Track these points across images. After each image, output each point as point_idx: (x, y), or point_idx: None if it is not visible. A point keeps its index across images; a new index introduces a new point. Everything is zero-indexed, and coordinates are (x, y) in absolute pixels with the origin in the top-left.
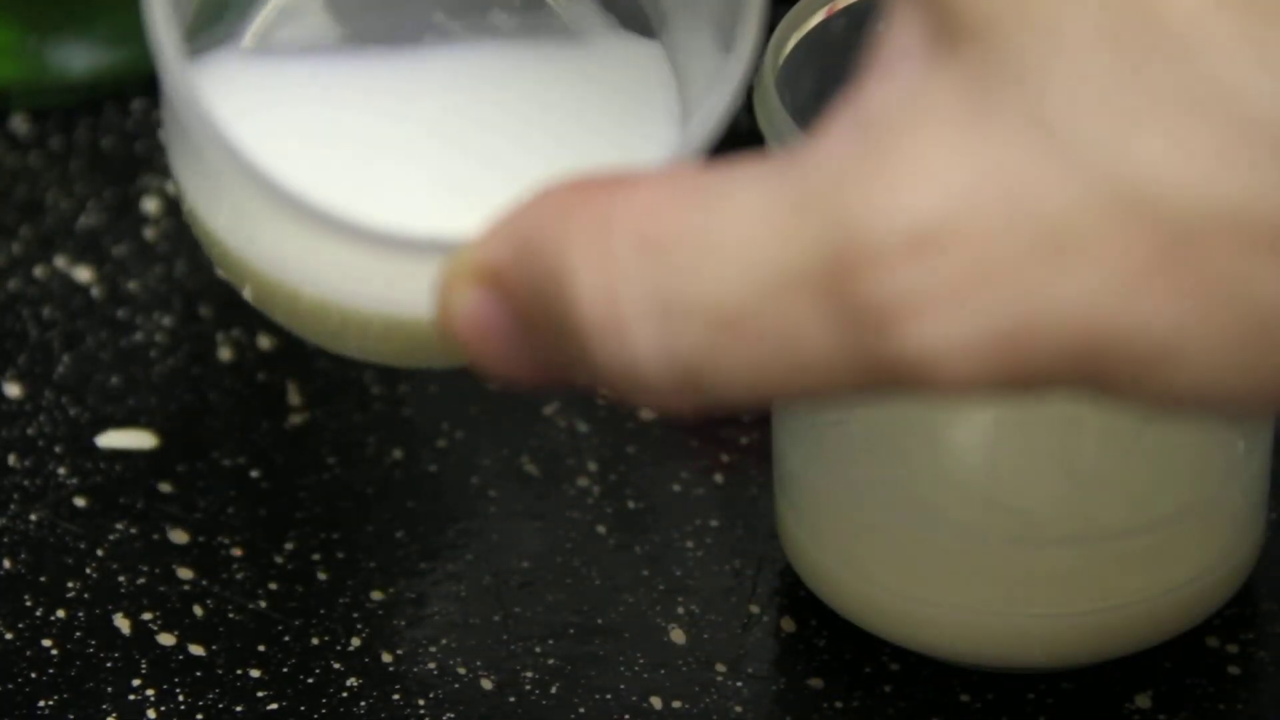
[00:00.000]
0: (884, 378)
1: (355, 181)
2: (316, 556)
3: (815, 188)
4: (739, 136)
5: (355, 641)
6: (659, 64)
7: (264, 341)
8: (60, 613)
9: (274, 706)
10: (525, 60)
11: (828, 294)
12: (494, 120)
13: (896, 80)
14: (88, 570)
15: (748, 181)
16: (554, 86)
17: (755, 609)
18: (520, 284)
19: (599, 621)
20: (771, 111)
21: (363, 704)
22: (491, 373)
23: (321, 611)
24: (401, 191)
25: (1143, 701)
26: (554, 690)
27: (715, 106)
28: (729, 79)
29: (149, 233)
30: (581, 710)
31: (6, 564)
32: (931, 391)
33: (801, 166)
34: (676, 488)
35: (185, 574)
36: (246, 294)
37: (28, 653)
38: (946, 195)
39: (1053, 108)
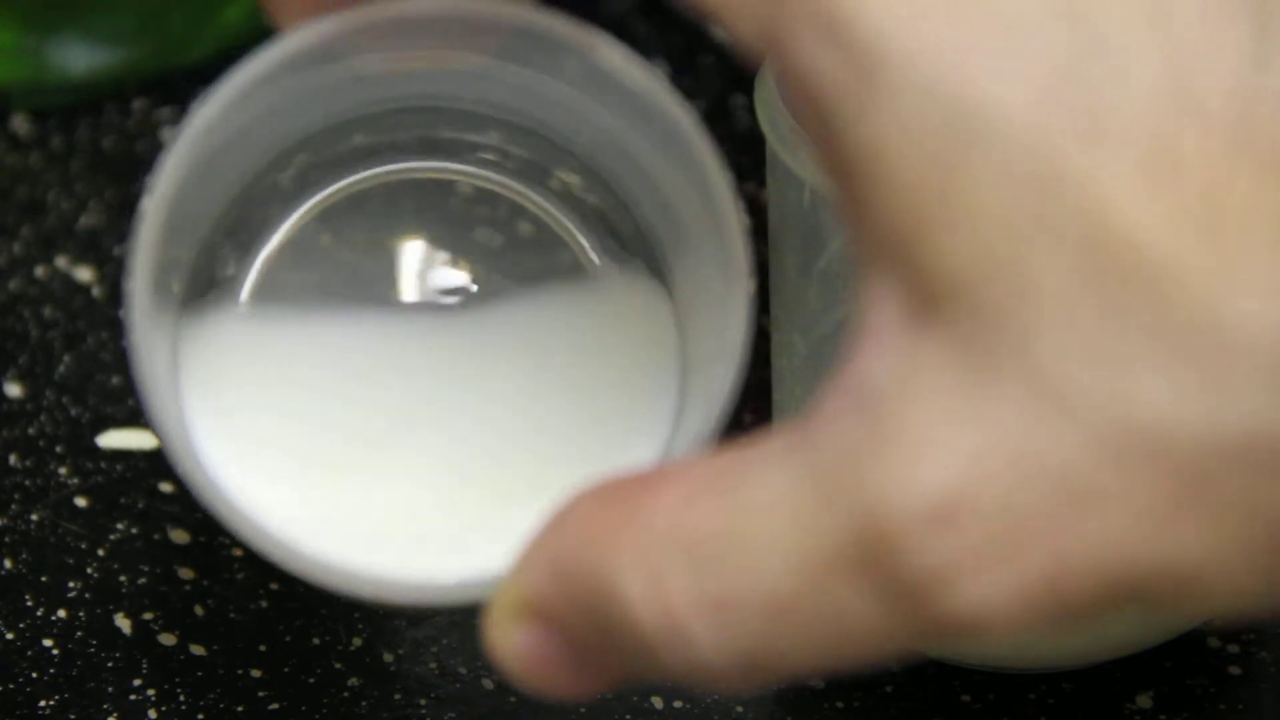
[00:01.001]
0: (936, 637)
1: (356, 485)
2: None
3: (829, 471)
4: (739, 136)
5: (356, 641)
6: (662, 304)
7: None
8: (61, 612)
9: (275, 706)
10: (527, 314)
11: (864, 574)
12: (495, 390)
13: (886, 350)
14: (89, 570)
15: (767, 467)
16: (556, 343)
17: None
18: (567, 610)
19: None
20: (772, 111)
21: (364, 704)
22: (552, 696)
23: (323, 611)
24: (406, 488)
25: (1143, 702)
26: None
27: (719, 397)
28: (730, 358)
29: None
30: (582, 710)
31: (7, 564)
32: (983, 638)
33: (812, 449)
34: None
35: (186, 574)
36: None
37: (29, 652)
38: (958, 466)
39: (1044, 363)
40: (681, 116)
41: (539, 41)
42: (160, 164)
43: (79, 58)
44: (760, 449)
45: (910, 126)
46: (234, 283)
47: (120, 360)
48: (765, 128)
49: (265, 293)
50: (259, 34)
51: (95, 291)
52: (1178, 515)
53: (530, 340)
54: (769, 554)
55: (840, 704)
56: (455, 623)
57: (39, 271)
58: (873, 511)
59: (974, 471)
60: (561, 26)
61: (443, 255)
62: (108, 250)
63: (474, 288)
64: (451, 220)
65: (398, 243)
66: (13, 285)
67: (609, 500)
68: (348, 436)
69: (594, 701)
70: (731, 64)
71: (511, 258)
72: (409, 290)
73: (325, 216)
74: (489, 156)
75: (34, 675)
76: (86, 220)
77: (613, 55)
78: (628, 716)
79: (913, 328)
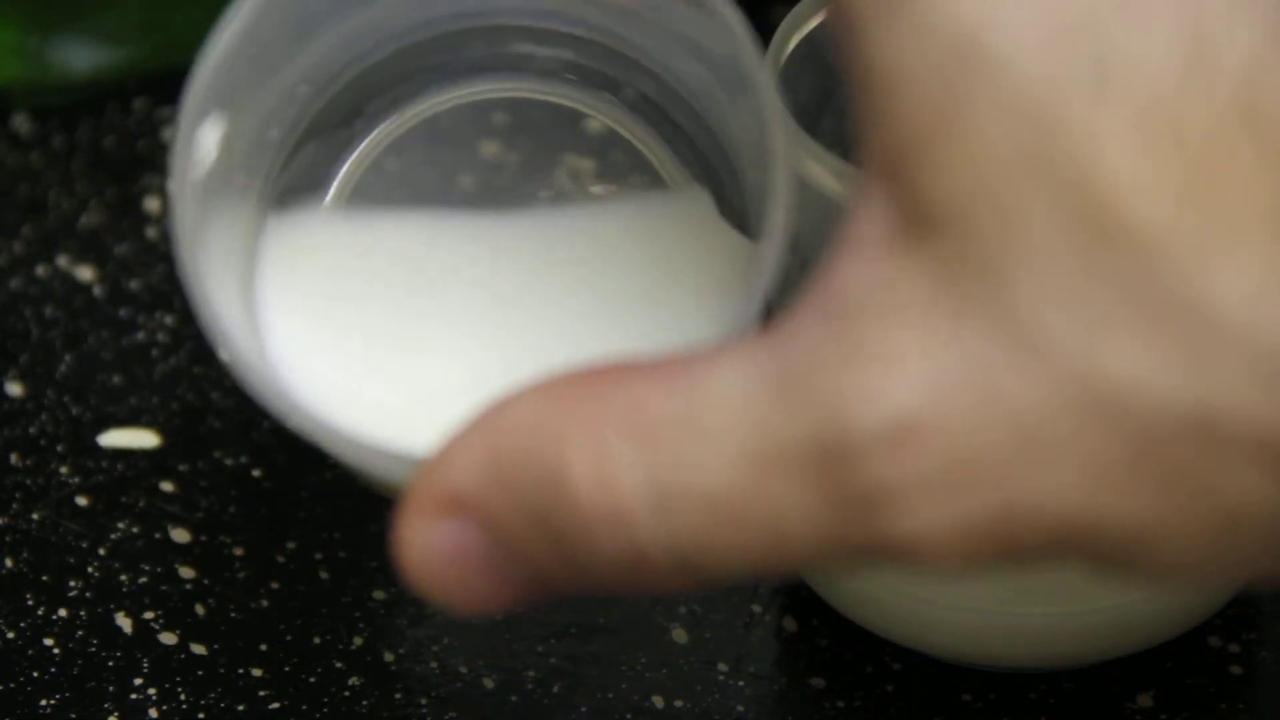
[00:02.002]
0: (872, 555)
1: (392, 355)
2: (318, 556)
3: (793, 374)
4: None
5: (357, 640)
6: (730, 225)
7: None
8: (62, 612)
9: (276, 705)
10: (602, 224)
11: (812, 478)
12: (562, 295)
13: (866, 264)
14: (89, 569)
15: (729, 367)
16: (627, 254)
17: (757, 608)
18: (501, 499)
19: (601, 621)
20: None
21: (364, 703)
22: (453, 603)
23: (323, 610)
24: (463, 382)
25: (1144, 701)
26: (556, 689)
27: (749, 302)
28: (761, 270)
29: (151, 232)
30: (583, 709)
31: (8, 563)
32: (920, 568)
33: (779, 351)
34: None
35: (187, 573)
36: None
37: (29, 652)
38: (923, 390)
39: (1022, 306)
40: (743, 38)
41: None
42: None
43: (80, 57)
44: (728, 346)
45: (925, 50)
46: (320, 182)
47: (121, 359)
48: None
49: (349, 195)
50: None
51: (96, 291)
52: (1128, 479)
53: (602, 251)
54: (720, 447)
55: (841, 703)
56: (456, 622)
57: (40, 271)
58: (832, 418)
59: (938, 399)
60: None
61: (521, 167)
62: (109, 249)
63: (551, 198)
64: (529, 134)
65: (478, 156)
66: (14, 284)
67: (564, 387)
68: (412, 329)
69: (594, 701)
70: None
71: (589, 171)
72: (487, 199)
73: (410, 130)
74: (566, 73)
75: (35, 674)
76: (87, 220)
77: None
78: (628, 716)
79: (897, 246)
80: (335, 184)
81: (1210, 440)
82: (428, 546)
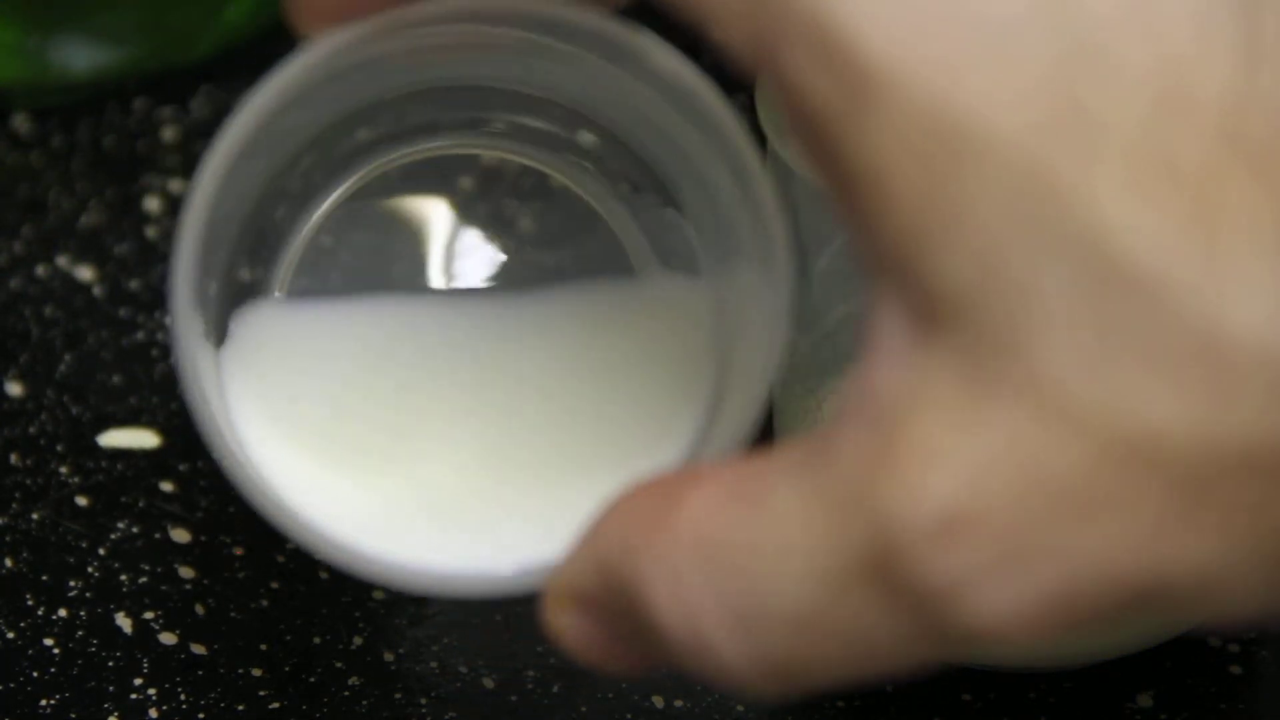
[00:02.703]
0: (955, 647)
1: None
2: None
3: (842, 485)
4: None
5: (357, 640)
6: (702, 302)
7: None
8: (62, 612)
9: (276, 705)
10: (567, 305)
11: (879, 587)
12: (530, 380)
13: (891, 366)
14: (89, 569)
15: (785, 485)
16: (594, 336)
17: None
18: (607, 604)
19: None
20: (773, 110)
21: (364, 703)
22: (608, 672)
23: (323, 610)
24: (438, 474)
25: (1144, 701)
26: (556, 689)
27: (756, 393)
28: (766, 362)
29: (151, 232)
30: (583, 709)
31: (8, 563)
32: (1002, 647)
33: (827, 462)
34: None
35: (187, 573)
36: None
37: (29, 652)
38: (964, 478)
39: (1044, 375)
40: (725, 116)
41: (577, 31)
42: (202, 168)
43: (80, 57)
44: (781, 460)
45: (903, 144)
46: (269, 275)
47: (120, 359)
48: (766, 126)
49: (301, 283)
50: (259, 33)
51: (96, 290)
52: (1182, 523)
53: (568, 332)
54: (788, 567)
55: (840, 703)
56: (456, 622)
57: (40, 270)
58: (882, 525)
59: (979, 483)
60: (600, 21)
61: (483, 243)
62: (108, 249)
63: (514, 277)
64: (492, 208)
65: (436, 229)
66: (13, 284)
67: (642, 503)
68: (383, 423)
69: (594, 701)
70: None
71: (552, 248)
72: (448, 277)
73: (357, 204)
74: (531, 141)
75: (35, 674)
76: (87, 219)
77: (656, 50)
78: (628, 716)
79: (917, 342)
80: (281, 271)
81: (1253, 469)
82: (567, 631)
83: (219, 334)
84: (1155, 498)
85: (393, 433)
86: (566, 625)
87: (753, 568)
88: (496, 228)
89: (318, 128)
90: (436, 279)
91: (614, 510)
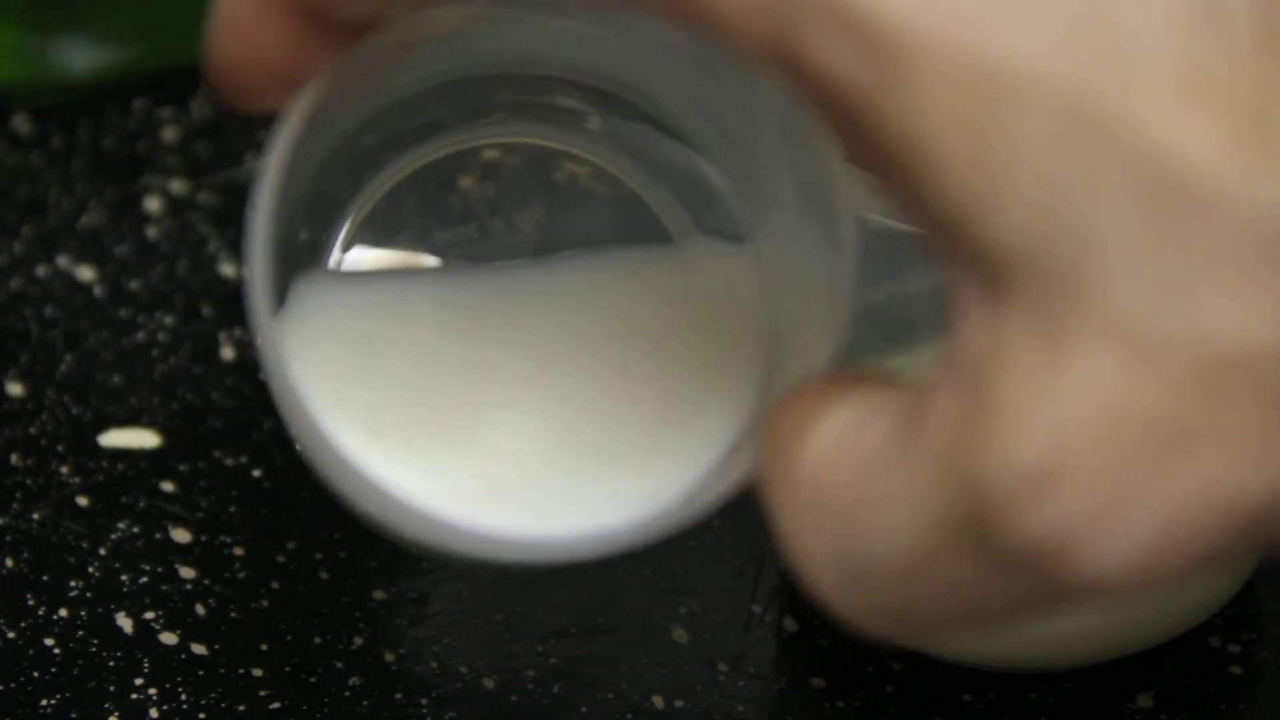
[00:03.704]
0: (1064, 601)
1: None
2: (318, 555)
3: (937, 447)
4: None
5: (357, 640)
6: (748, 269)
7: None
8: (62, 612)
9: (276, 705)
10: (614, 277)
11: (980, 545)
12: (581, 351)
13: (972, 326)
14: (90, 569)
15: (888, 443)
16: (642, 307)
17: (757, 608)
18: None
19: (601, 621)
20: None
21: (365, 703)
22: None
23: (324, 610)
24: (494, 449)
25: (1144, 701)
26: (556, 690)
27: (829, 331)
28: (837, 310)
29: (151, 232)
30: (584, 709)
31: (9, 563)
32: (1118, 595)
33: (923, 425)
34: None
35: (187, 573)
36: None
37: (30, 652)
38: (1049, 432)
39: (1115, 311)
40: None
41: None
42: (275, 139)
43: (80, 57)
44: (886, 417)
45: (941, 108)
46: (325, 248)
47: (121, 359)
48: None
49: (358, 257)
50: None
51: (96, 291)
52: (1270, 438)
53: (616, 304)
54: (894, 523)
55: (841, 703)
56: (456, 622)
57: (40, 271)
58: (976, 488)
59: (1066, 435)
60: None
61: (533, 217)
62: (108, 249)
63: (563, 252)
64: (541, 186)
65: (488, 207)
66: (14, 284)
67: (788, 414)
68: (436, 396)
69: (594, 701)
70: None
71: (598, 221)
72: (498, 253)
73: (413, 182)
74: (575, 121)
75: (35, 674)
76: (87, 220)
77: None
78: (628, 716)
79: (990, 303)
80: (340, 247)
81: None
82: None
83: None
84: (1250, 416)
85: (452, 406)
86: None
87: (859, 518)
88: (541, 205)
89: (379, 106)
90: (486, 256)
91: (764, 425)
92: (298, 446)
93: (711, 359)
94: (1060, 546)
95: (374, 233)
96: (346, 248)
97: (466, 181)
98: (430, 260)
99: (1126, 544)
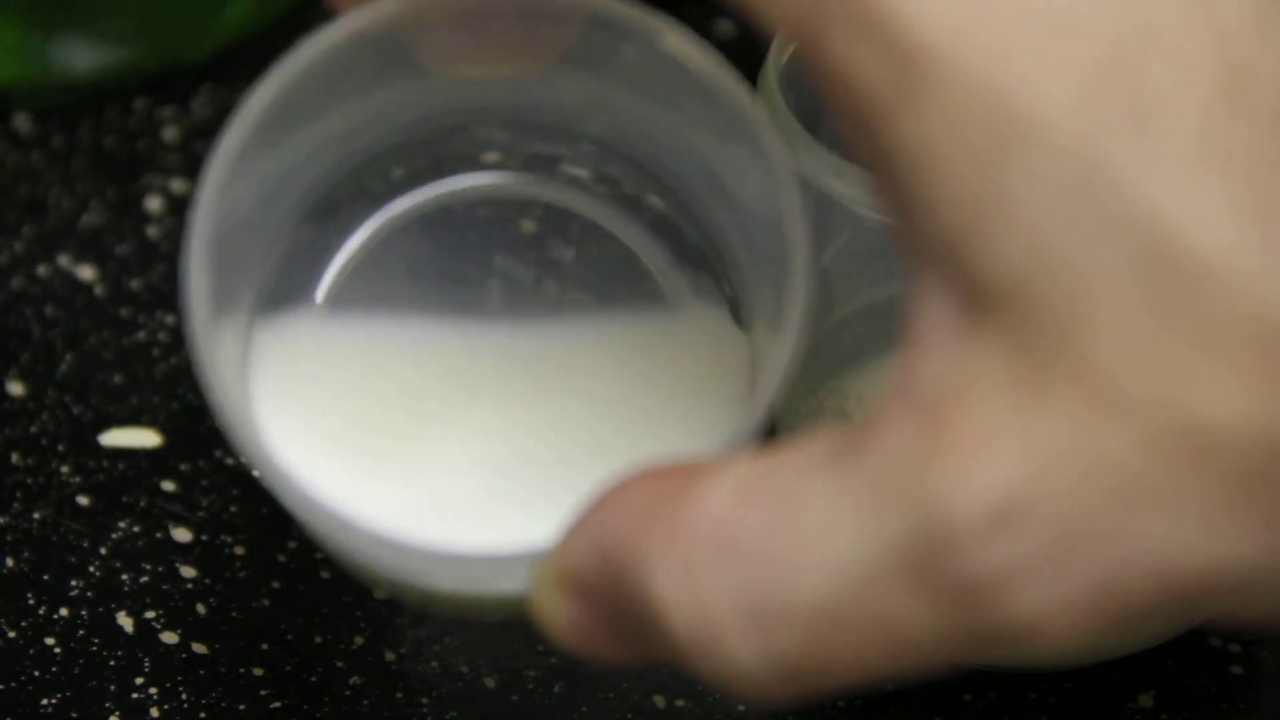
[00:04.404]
0: (988, 645)
1: (417, 468)
2: (319, 555)
3: (885, 475)
4: None
5: (358, 640)
6: (735, 334)
7: None
8: (63, 611)
9: (277, 705)
10: (597, 333)
11: (919, 578)
12: (561, 403)
13: (940, 355)
14: (91, 569)
15: (818, 473)
16: (625, 364)
17: None
18: (605, 590)
19: None
20: (775, 111)
21: (365, 702)
22: (598, 662)
23: (324, 610)
24: (459, 492)
25: (1145, 701)
26: (556, 689)
27: (761, 397)
28: (776, 365)
29: (151, 231)
30: (584, 709)
31: (10, 562)
32: (1037, 647)
33: (869, 453)
34: None
35: (188, 572)
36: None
37: (31, 651)
38: (1016, 470)
39: (1097, 365)
40: (749, 107)
41: (603, 33)
42: (215, 149)
43: (81, 57)
44: (808, 452)
45: (955, 128)
46: (309, 286)
47: (121, 359)
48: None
49: (340, 297)
50: (260, 32)
51: (97, 290)
52: (1234, 520)
53: (599, 360)
54: (817, 559)
55: (841, 703)
56: (456, 622)
57: (40, 270)
58: (930, 515)
59: (1031, 476)
60: (626, 11)
61: (514, 269)
62: (109, 249)
63: (545, 303)
64: (525, 235)
65: (471, 254)
66: (14, 284)
67: (653, 488)
68: (405, 436)
69: (594, 701)
70: (735, 59)
71: (584, 275)
72: (480, 301)
73: (401, 225)
74: (561, 170)
75: (36, 674)
76: (88, 219)
77: (679, 40)
78: (629, 715)
79: (966, 331)
80: (327, 281)
81: None
82: (557, 617)
83: (246, 337)
84: (1211, 490)
85: (416, 446)
86: (559, 610)
87: (776, 561)
88: (528, 259)
89: (357, 150)
90: (470, 303)
91: (616, 496)
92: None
93: (695, 422)
94: (1003, 585)
95: (363, 271)
96: (329, 287)
97: (459, 227)
98: (415, 304)
99: (1068, 592)
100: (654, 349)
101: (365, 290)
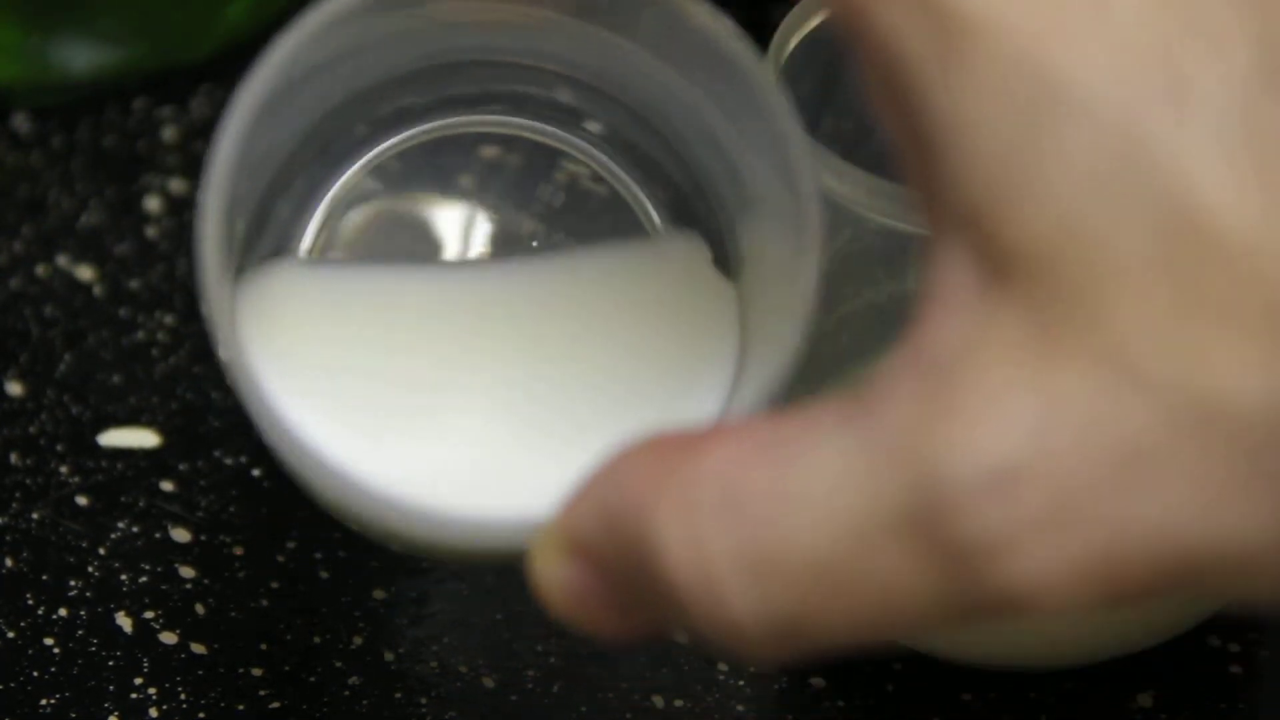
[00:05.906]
0: (982, 610)
1: (411, 428)
2: (318, 555)
3: (890, 434)
4: None
5: (357, 640)
6: (720, 266)
7: None
8: (62, 611)
9: (276, 705)
10: (587, 271)
11: (918, 537)
12: (553, 343)
13: (954, 318)
14: (90, 569)
15: (822, 433)
16: (614, 300)
17: None
18: (609, 553)
19: None
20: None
21: (364, 702)
22: (589, 633)
23: (323, 610)
24: (460, 434)
25: (1144, 701)
26: (556, 689)
27: (780, 360)
28: (796, 320)
29: (150, 231)
30: (583, 709)
31: (9, 562)
32: (1030, 616)
33: (874, 413)
34: None
35: (187, 572)
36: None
37: (30, 651)
38: (1022, 435)
39: (1116, 336)
40: (757, 72)
41: None
42: (233, 104)
43: (80, 56)
44: (815, 413)
45: (994, 95)
46: (294, 232)
47: (120, 359)
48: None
49: (326, 243)
50: (261, 32)
51: (96, 290)
52: (1240, 495)
53: (589, 297)
54: (817, 516)
55: (841, 703)
56: (456, 621)
57: (39, 270)
58: (933, 475)
59: (1038, 442)
60: None
61: (504, 210)
62: (108, 249)
63: (534, 243)
64: (513, 176)
65: (459, 197)
66: (13, 284)
67: (660, 452)
68: (402, 384)
69: (594, 701)
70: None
71: (573, 215)
72: (469, 244)
73: (386, 169)
74: (553, 113)
75: (35, 674)
76: (87, 219)
77: (693, 5)
78: (628, 715)
79: (985, 295)
80: (309, 232)
81: None
82: (557, 583)
83: (237, 283)
84: (1213, 465)
85: (409, 393)
86: (561, 576)
87: (778, 516)
88: (513, 199)
89: (343, 95)
90: (455, 248)
91: (625, 459)
92: (258, 431)
93: (682, 352)
94: (1001, 547)
95: (349, 217)
96: (315, 237)
97: (445, 169)
98: (404, 249)
99: (1065, 559)
100: (640, 289)
101: (348, 238)
